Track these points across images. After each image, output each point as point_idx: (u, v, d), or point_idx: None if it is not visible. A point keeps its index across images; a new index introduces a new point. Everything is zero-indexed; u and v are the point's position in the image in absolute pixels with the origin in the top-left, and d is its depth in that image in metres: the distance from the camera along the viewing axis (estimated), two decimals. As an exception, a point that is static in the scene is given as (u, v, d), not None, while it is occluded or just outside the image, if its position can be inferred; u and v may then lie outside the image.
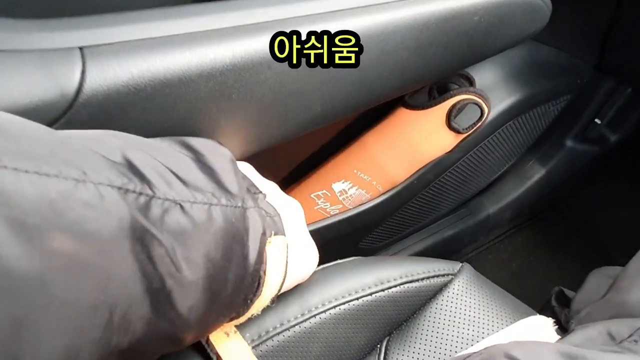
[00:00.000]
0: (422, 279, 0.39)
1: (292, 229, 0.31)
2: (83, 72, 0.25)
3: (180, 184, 0.23)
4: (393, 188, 0.65)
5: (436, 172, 0.68)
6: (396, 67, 0.39)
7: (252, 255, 0.26)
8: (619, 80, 0.75)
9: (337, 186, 0.64)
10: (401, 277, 0.38)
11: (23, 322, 0.16)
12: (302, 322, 0.34)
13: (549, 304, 0.56)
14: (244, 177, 0.30)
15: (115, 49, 0.26)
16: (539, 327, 0.37)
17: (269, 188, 0.33)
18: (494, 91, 0.66)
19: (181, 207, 0.22)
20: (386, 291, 0.37)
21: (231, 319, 0.29)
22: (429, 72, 0.43)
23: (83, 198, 0.18)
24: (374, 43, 0.35)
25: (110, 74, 0.25)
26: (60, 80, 0.24)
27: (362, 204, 0.65)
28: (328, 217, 0.64)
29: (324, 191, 0.64)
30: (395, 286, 0.37)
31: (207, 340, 0.29)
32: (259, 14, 0.30)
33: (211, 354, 0.29)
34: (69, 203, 0.18)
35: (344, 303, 0.35)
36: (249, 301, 0.28)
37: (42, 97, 0.24)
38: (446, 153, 0.63)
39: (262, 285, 0.28)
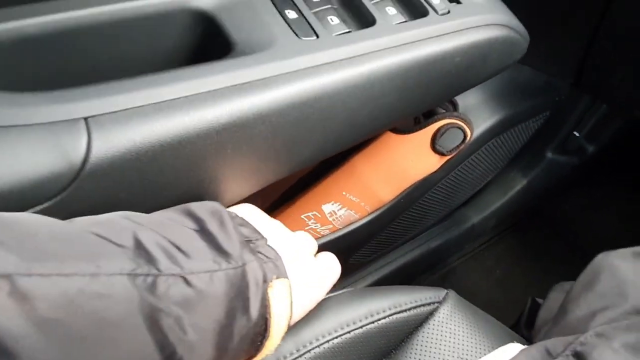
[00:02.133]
0: (410, 308, 0.41)
1: (295, 269, 0.33)
2: (89, 143, 0.26)
3: (183, 256, 0.25)
4: (380, 208, 0.67)
5: (422, 190, 0.70)
6: (383, 108, 0.41)
7: (255, 306, 0.28)
8: (596, 98, 0.78)
9: (327, 207, 0.66)
10: (390, 309, 0.40)
11: None
12: (296, 358, 0.36)
13: (522, 317, 0.59)
14: (244, 224, 0.32)
15: (118, 117, 0.27)
16: (514, 353, 0.39)
17: (272, 229, 0.34)
18: (476, 112, 0.68)
19: (185, 279, 0.24)
20: (376, 323, 0.39)
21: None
22: (414, 108, 0.45)
23: (97, 290, 0.21)
24: (361, 90, 0.37)
25: (114, 143, 0.27)
26: (67, 152, 0.26)
27: (351, 223, 0.67)
28: (319, 238, 0.65)
29: (314, 212, 0.66)
30: (384, 317, 0.40)
31: None
32: (253, 73, 0.32)
33: None
34: (85, 297, 0.20)
35: (337, 337, 0.37)
36: (258, 344, 0.30)
37: (50, 169, 0.25)
38: (431, 173, 0.66)
39: (270, 327, 0.30)
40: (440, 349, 0.40)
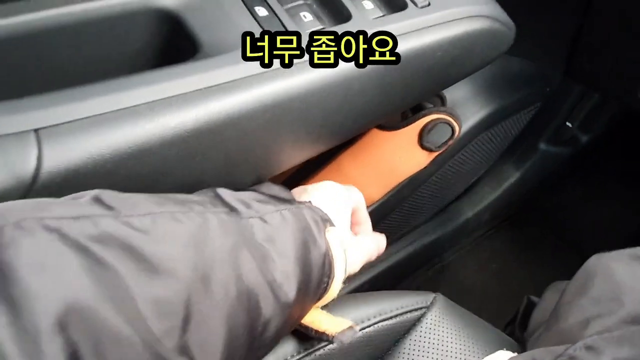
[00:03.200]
0: (396, 315, 0.40)
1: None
2: (39, 157, 0.25)
3: (255, 204, 0.30)
4: (369, 206, 0.65)
5: (411, 188, 0.69)
6: (362, 108, 0.39)
7: (321, 240, 0.32)
8: (587, 87, 0.77)
9: (314, 208, 0.64)
10: (375, 317, 0.39)
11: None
12: (279, 370, 0.34)
13: (517, 316, 0.57)
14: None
15: (72, 127, 0.26)
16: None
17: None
18: (465, 106, 0.67)
19: (262, 219, 0.29)
20: (362, 332, 0.38)
21: (316, 302, 0.35)
22: (395, 107, 0.43)
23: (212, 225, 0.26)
24: (338, 90, 0.35)
25: (68, 156, 0.25)
26: (15, 168, 0.24)
27: (340, 223, 0.65)
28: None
29: (302, 213, 0.65)
30: (369, 326, 0.38)
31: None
32: (219, 75, 0.30)
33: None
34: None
35: (319, 349, 0.36)
36: (325, 284, 0.34)
37: (-2, 186, 0.24)
38: (420, 170, 0.64)
39: (333, 268, 0.34)
40: (427, 357, 0.39)
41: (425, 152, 0.61)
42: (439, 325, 0.40)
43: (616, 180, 0.99)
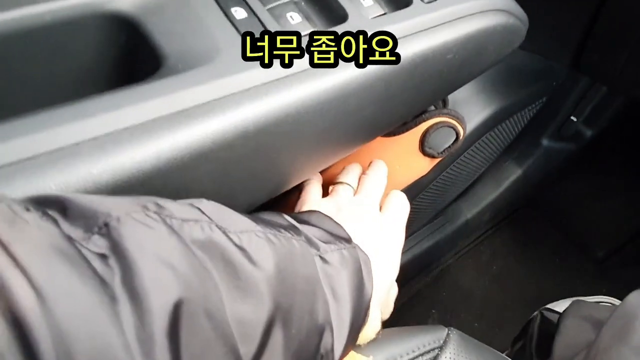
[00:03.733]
0: (406, 361, 0.34)
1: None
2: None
3: (315, 239, 0.29)
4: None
5: (411, 195, 0.63)
6: (361, 124, 0.33)
7: (368, 286, 0.31)
8: (595, 80, 0.72)
9: (308, 221, 0.59)
10: (383, 366, 0.33)
11: None
12: None
13: (527, 335, 0.53)
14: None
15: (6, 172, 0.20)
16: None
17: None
18: (468, 106, 0.61)
19: (322, 257, 0.28)
20: (367, 384, 0.33)
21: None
22: (398, 119, 0.38)
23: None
24: (333, 106, 0.30)
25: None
26: None
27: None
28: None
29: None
30: (376, 377, 0.33)
31: None
32: (188, 97, 0.24)
33: None
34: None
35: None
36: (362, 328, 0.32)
37: None
38: (421, 177, 0.59)
39: (367, 314, 0.32)
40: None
41: (426, 159, 0.56)
42: (455, 370, 0.35)
43: (620, 176, 0.95)
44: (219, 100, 0.25)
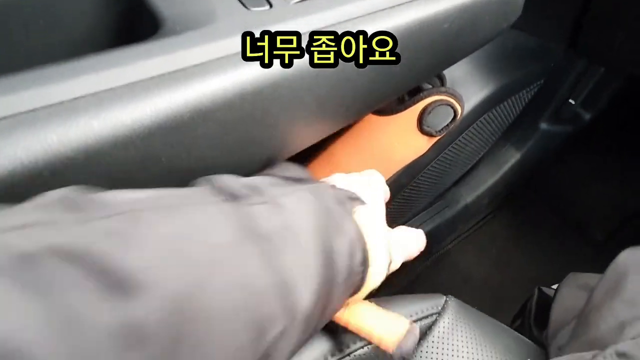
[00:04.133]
0: (405, 326, 0.35)
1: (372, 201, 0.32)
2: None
3: (267, 188, 0.25)
4: (366, 197, 0.60)
5: (410, 175, 0.64)
6: (357, 91, 0.34)
7: (348, 225, 0.27)
8: (592, 61, 0.72)
9: (306, 201, 0.59)
10: (381, 330, 0.34)
11: None
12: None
13: (526, 311, 0.53)
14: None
15: (3, 125, 0.20)
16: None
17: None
18: (466, 86, 0.61)
19: (274, 204, 0.24)
20: (366, 347, 0.33)
21: (351, 295, 0.29)
22: (394, 90, 0.38)
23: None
24: (330, 71, 0.30)
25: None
26: None
27: (334, 217, 0.60)
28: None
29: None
30: (375, 340, 0.33)
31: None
32: (186, 57, 0.25)
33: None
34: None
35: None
36: (360, 276, 0.28)
37: None
38: (419, 156, 0.59)
39: (368, 254, 0.28)
40: (443, 369, 0.34)
41: (425, 137, 0.56)
42: (452, 333, 0.36)
43: (616, 158, 0.96)
44: (216, 61, 0.25)
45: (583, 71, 0.75)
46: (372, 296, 0.37)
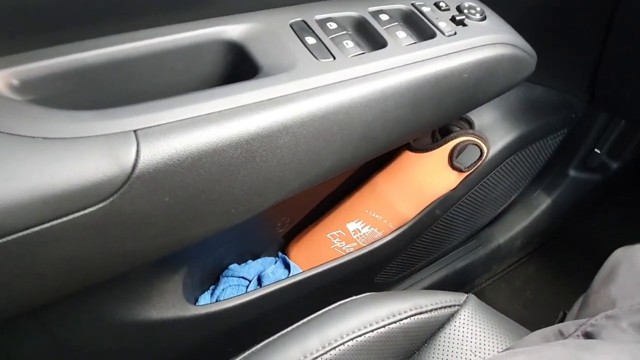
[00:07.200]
0: (430, 310, 0.43)
1: None
2: (137, 151, 0.31)
3: None
4: (403, 225, 0.69)
5: (443, 208, 0.72)
6: (396, 122, 0.44)
7: None
8: (610, 113, 0.80)
9: (351, 226, 0.69)
10: (411, 310, 0.42)
11: None
12: (322, 354, 0.38)
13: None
14: None
15: (162, 129, 0.32)
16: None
17: None
18: (492, 131, 0.71)
19: None
20: (398, 323, 0.41)
21: None
22: (426, 124, 0.48)
23: None
24: (375, 104, 0.41)
25: (159, 151, 0.31)
26: (120, 159, 0.30)
27: (375, 241, 0.69)
28: (344, 255, 0.68)
29: (339, 231, 0.69)
30: (405, 318, 0.42)
31: None
32: (276, 91, 0.36)
33: None
34: None
35: (360, 335, 0.40)
36: None
37: (106, 172, 0.30)
38: (451, 190, 0.68)
39: None
40: (462, 349, 0.42)
41: (455, 173, 0.65)
42: (471, 321, 0.43)
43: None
44: (297, 94, 0.37)
45: (606, 122, 0.83)
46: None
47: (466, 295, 0.46)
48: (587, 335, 0.30)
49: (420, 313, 0.42)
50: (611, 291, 0.36)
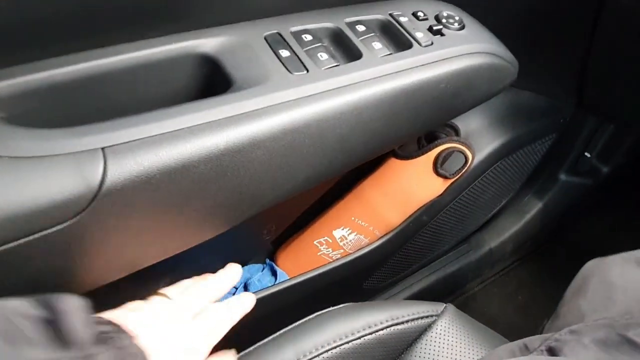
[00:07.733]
0: (407, 321, 0.43)
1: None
2: (105, 168, 0.31)
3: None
4: (389, 232, 0.69)
5: (430, 214, 0.72)
6: (373, 133, 0.44)
7: None
8: (599, 116, 0.80)
9: (338, 233, 0.69)
10: (387, 320, 0.42)
11: None
12: (297, 366, 0.38)
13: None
14: (103, 322, 0.31)
15: (131, 146, 0.32)
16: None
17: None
18: (479, 137, 0.71)
19: None
20: (374, 334, 0.41)
21: None
22: (404, 134, 0.48)
23: None
24: (350, 117, 0.41)
25: (126, 168, 0.31)
26: (86, 177, 0.30)
27: (362, 248, 0.69)
28: (331, 262, 0.68)
29: (326, 238, 0.69)
30: (382, 329, 0.42)
31: None
32: (248, 105, 0.37)
33: None
34: None
35: (335, 347, 0.40)
36: None
37: (73, 191, 0.30)
38: (438, 197, 0.68)
39: None
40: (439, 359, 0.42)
41: (440, 179, 0.65)
42: (448, 332, 0.43)
43: (638, 212, 0.99)
44: (268, 107, 0.37)
45: (595, 126, 0.83)
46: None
47: (444, 305, 0.46)
48: (551, 351, 0.30)
49: (397, 324, 0.42)
50: (581, 304, 0.36)
